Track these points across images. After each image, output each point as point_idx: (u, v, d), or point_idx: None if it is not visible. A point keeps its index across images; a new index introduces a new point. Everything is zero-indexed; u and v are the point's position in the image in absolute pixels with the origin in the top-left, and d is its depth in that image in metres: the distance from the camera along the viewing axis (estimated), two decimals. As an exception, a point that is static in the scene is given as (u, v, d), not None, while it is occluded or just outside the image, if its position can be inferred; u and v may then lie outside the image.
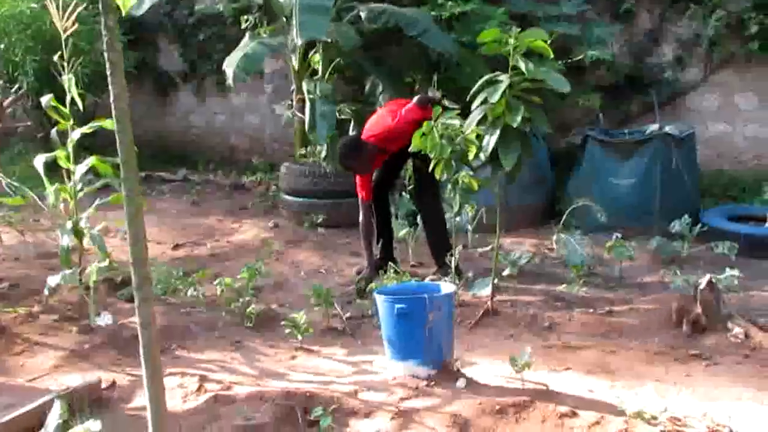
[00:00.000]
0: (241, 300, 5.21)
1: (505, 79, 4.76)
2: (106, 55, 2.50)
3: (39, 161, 5.39)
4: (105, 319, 5.01)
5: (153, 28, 10.68)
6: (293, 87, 8.40)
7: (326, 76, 7.91)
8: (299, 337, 4.76)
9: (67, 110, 5.57)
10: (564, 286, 5.67)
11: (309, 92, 7.44)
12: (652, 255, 6.32)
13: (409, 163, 6.34)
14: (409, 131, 5.86)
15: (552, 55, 4.95)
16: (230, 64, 7.36)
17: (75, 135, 5.52)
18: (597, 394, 4.02)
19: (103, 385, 4.11)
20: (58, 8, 5.25)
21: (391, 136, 5.88)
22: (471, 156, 5.06)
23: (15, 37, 8.71)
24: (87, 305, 5.21)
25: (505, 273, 5.98)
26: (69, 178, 5.95)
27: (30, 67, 8.59)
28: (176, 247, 6.78)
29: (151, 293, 2.75)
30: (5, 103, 4.84)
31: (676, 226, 6.24)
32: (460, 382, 4.04)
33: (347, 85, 8.53)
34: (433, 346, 4.06)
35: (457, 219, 6.52)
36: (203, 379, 4.23)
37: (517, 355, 4.00)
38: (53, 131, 6.33)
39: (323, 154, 7.37)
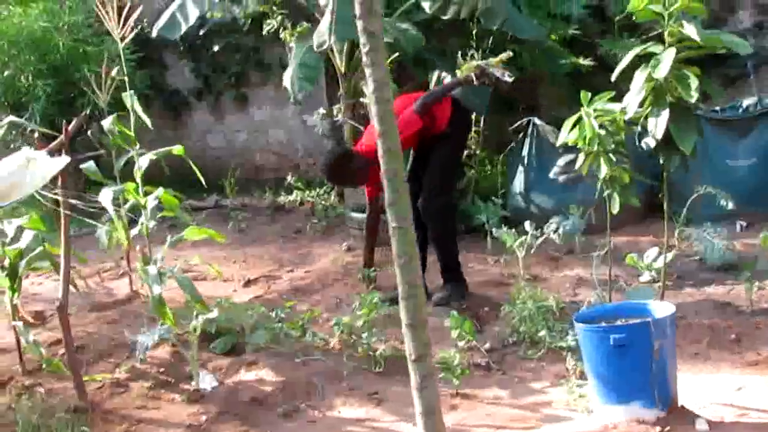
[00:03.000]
0: (365, 341, 4.37)
1: (667, 49, 3.99)
2: (369, 91, 1.70)
3: (106, 196, 4.49)
4: (208, 381, 4.14)
5: (159, 44, 9.71)
6: (340, 92, 7.55)
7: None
8: (455, 381, 3.93)
9: (132, 134, 4.71)
10: (728, 288, 4.90)
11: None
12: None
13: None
14: (402, 143, 5.31)
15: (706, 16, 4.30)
16: (289, 78, 6.50)
17: (143, 162, 4.66)
18: None
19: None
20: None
21: (377, 157, 5.15)
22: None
23: (23, 60, 7.76)
24: (181, 366, 4.35)
25: (644, 279, 5.21)
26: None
27: (42, 92, 7.66)
28: (248, 283, 5.87)
29: (428, 353, 1.91)
30: (70, 128, 3.93)
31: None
32: (701, 424, 3.24)
33: (404, 83, 7.62)
34: (660, 382, 3.26)
35: (566, 224, 5.81)
36: (369, 449, 3.40)
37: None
38: (90, 163, 5.46)
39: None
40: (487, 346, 4.50)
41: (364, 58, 1.74)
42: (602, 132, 4.09)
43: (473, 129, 7.29)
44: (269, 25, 8.23)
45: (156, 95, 9.88)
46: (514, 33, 6.62)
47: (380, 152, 1.77)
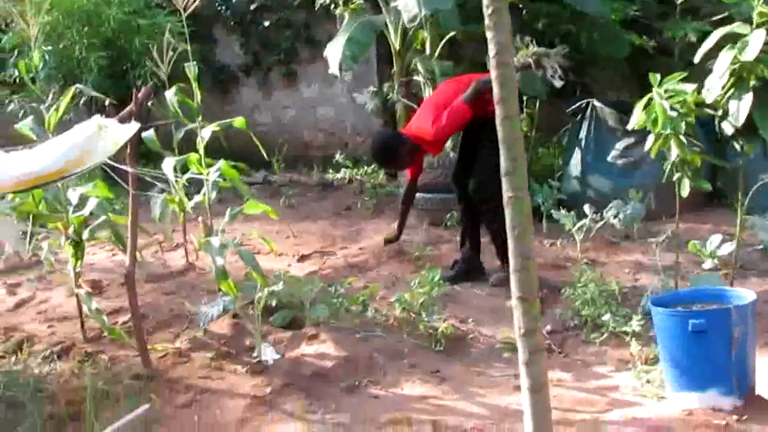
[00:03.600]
0: (425, 319, 4.34)
1: (755, 30, 3.86)
2: (490, 54, 1.64)
3: (168, 165, 4.49)
4: (270, 354, 4.14)
5: (208, 19, 9.70)
6: (393, 70, 7.49)
7: (436, 53, 7.00)
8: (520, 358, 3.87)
9: (195, 105, 4.70)
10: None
11: (427, 73, 6.54)
12: None
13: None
14: (451, 134, 5.40)
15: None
16: (334, 51, 6.43)
17: (206, 134, 4.65)
18: None
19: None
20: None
21: (426, 144, 5.22)
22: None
23: (76, 33, 7.80)
24: (241, 337, 4.35)
25: (706, 266, 5.12)
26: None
27: (95, 65, 7.69)
28: (302, 258, 5.86)
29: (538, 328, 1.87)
30: (140, 96, 3.90)
31: None
32: (781, 414, 3.16)
33: (458, 61, 7.49)
34: (739, 370, 3.18)
35: (626, 209, 5.72)
36: (437, 426, 3.36)
37: None
38: (150, 132, 5.47)
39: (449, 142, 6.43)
40: (548, 328, 4.45)
41: (487, 21, 1.68)
42: (673, 114, 3.98)
43: (527, 111, 7.23)
44: (322, 0, 8.20)
45: (205, 70, 9.87)
46: (577, 6, 6.49)
47: (498, 119, 1.72)
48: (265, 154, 5.34)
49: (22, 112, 7.43)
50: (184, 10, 4.74)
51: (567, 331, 4.46)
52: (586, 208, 5.58)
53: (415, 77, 7.27)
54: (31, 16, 4.98)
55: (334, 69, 6.62)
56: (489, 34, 1.68)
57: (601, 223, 5.57)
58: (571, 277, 4.88)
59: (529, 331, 1.74)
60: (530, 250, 1.70)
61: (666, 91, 4.05)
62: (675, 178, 4.23)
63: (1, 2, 7.40)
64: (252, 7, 9.55)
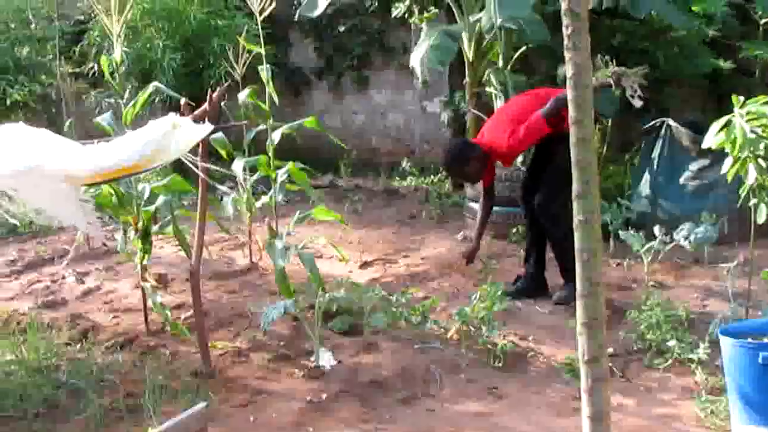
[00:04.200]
0: (485, 334, 4.29)
1: None
2: (567, 75, 1.60)
3: (238, 166, 4.55)
4: (327, 359, 4.14)
5: (285, 22, 9.82)
6: (466, 80, 7.45)
7: (509, 65, 6.94)
8: (579, 384, 3.79)
9: (267, 107, 4.75)
10: None
11: (500, 84, 6.48)
12: None
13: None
14: (526, 147, 5.27)
15: None
16: (419, 59, 6.45)
17: (276, 136, 4.69)
18: None
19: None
20: None
21: (499, 156, 5.13)
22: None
23: (156, 30, 7.98)
24: (299, 340, 4.37)
25: (781, 296, 4.94)
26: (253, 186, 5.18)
27: (169, 66, 7.85)
28: (364, 265, 5.86)
29: (604, 355, 1.81)
30: (215, 96, 3.93)
31: None
32: None
33: (530, 74, 7.43)
34: (811, 408, 3.06)
35: (698, 232, 5.56)
36: (491, 445, 3.32)
37: None
38: (219, 134, 5.54)
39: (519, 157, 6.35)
40: (611, 350, 4.33)
41: (566, 41, 1.65)
42: (753, 136, 3.85)
43: (598, 127, 7.11)
44: (397, 9, 8.22)
45: (278, 72, 9.99)
46: (665, 21, 6.36)
47: (573, 140, 1.69)
48: (342, 145, 5.36)
49: (98, 108, 7.63)
50: (260, 13, 4.78)
51: (630, 355, 4.34)
52: (656, 229, 5.45)
53: (487, 88, 7.22)
54: (115, 12, 5.12)
55: (423, 76, 6.63)
56: (567, 55, 1.64)
57: (671, 245, 5.43)
58: (637, 299, 4.78)
59: (594, 358, 1.69)
60: (599, 275, 1.65)
61: (748, 113, 3.93)
62: (751, 203, 4.10)
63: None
64: (327, 12, 9.61)
